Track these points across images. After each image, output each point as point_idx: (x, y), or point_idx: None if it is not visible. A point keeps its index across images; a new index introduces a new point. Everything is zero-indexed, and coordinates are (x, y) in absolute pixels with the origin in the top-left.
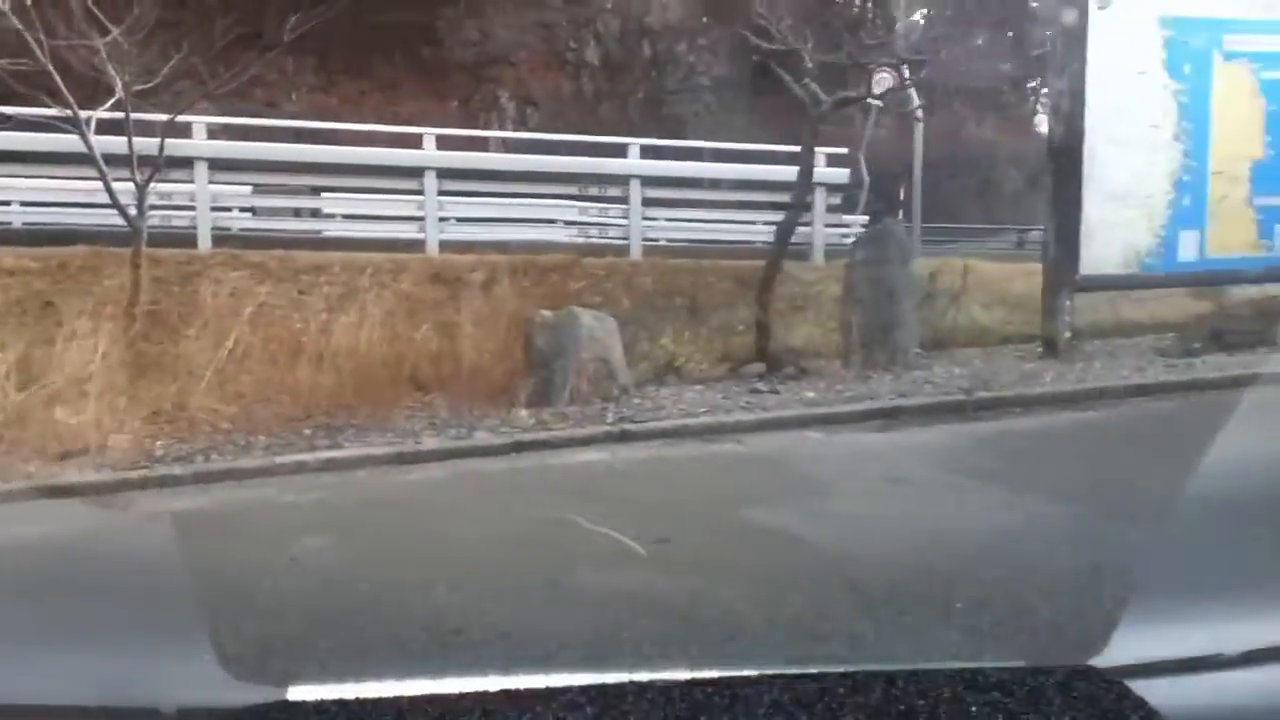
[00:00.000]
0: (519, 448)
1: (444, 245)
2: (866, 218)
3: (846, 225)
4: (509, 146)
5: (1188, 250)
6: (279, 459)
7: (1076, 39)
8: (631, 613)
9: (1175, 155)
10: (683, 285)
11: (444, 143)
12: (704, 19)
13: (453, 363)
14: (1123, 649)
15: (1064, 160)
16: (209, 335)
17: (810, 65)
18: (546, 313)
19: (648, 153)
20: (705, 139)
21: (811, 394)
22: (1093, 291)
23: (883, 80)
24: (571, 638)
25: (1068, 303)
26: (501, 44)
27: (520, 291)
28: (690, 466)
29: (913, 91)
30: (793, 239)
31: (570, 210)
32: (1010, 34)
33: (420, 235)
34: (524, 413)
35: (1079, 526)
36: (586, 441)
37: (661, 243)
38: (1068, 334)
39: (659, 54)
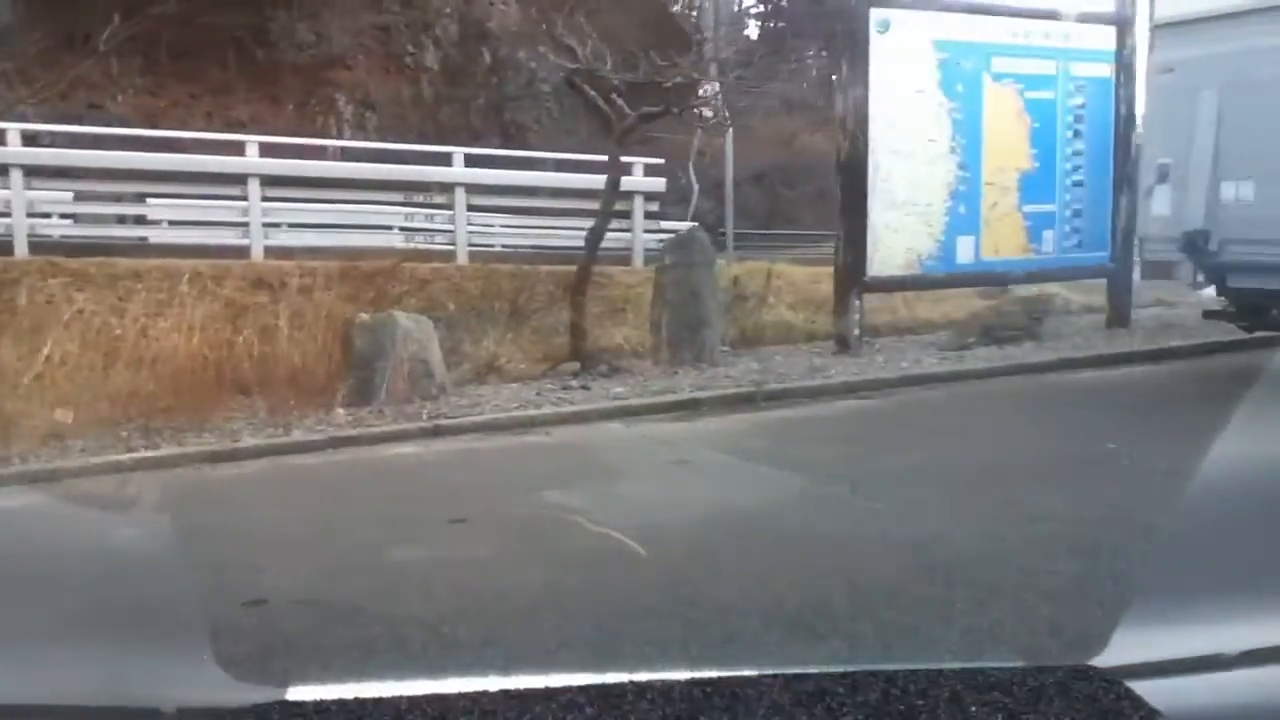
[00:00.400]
0: (335, 443)
1: (269, 251)
2: (695, 224)
3: (669, 232)
4: (343, 153)
5: (965, 253)
6: (95, 459)
7: (860, 60)
8: (420, 576)
9: (951, 167)
10: (506, 289)
11: (271, 150)
12: (544, 26)
13: (273, 365)
14: (1123, 649)
15: (851, 171)
16: (26, 342)
17: (617, 82)
18: (365, 316)
19: (493, 159)
20: (547, 145)
21: (620, 389)
22: (880, 292)
23: (703, 94)
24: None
25: (857, 302)
26: (338, 47)
27: (344, 296)
28: (498, 456)
29: (723, 105)
30: (618, 245)
31: (397, 216)
32: (824, 53)
33: (245, 241)
34: (342, 411)
35: (818, 492)
36: (401, 436)
37: (496, 248)
38: (857, 331)
39: (500, 60)
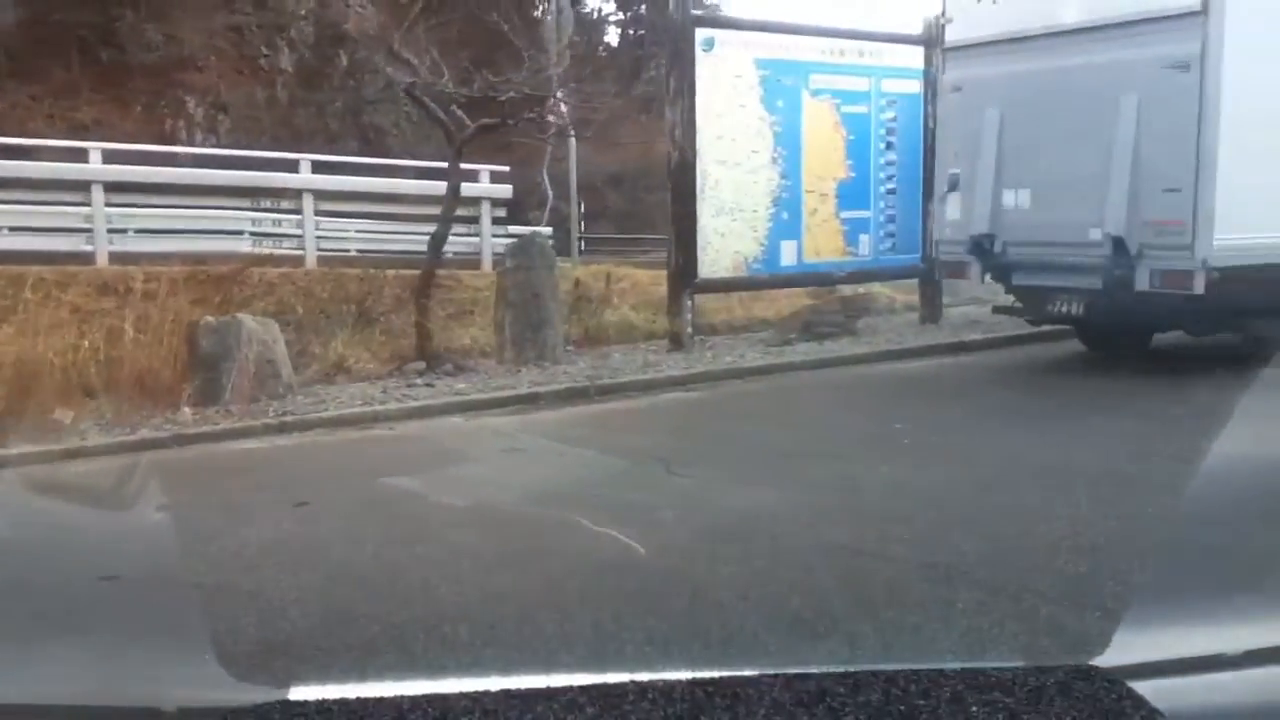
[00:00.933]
0: (182, 440)
1: (115, 257)
2: (539, 228)
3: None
4: (193, 158)
5: (788, 256)
6: None
7: (686, 76)
8: (261, 553)
9: (774, 176)
10: (354, 292)
11: (116, 156)
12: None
13: (120, 369)
14: (1124, 649)
15: (681, 179)
16: None
17: (455, 93)
18: (211, 318)
19: (344, 165)
20: (407, 149)
21: (463, 386)
22: (710, 292)
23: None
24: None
25: (689, 302)
26: (188, 48)
27: (192, 300)
28: (342, 448)
29: (565, 115)
30: (467, 250)
31: (245, 221)
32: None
33: (89, 248)
34: (189, 411)
35: (636, 471)
36: (247, 433)
37: (350, 252)
38: (690, 329)
39: (357, 63)
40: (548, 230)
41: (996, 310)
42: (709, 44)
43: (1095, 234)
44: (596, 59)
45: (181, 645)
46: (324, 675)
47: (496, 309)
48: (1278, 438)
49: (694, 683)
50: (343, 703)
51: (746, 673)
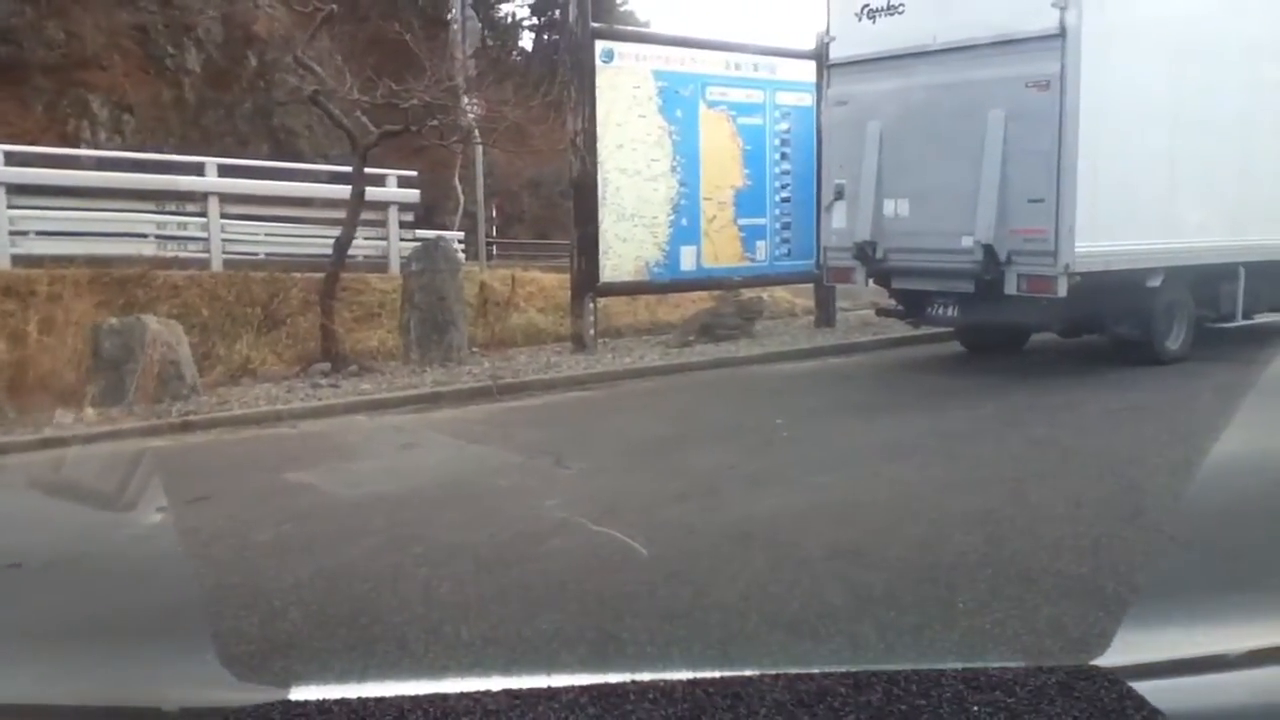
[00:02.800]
0: (85, 439)
1: (17, 259)
2: (462, 234)
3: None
4: (99, 160)
5: (688, 262)
6: None
7: (587, 85)
8: (160, 542)
9: (673, 184)
10: (260, 295)
11: (16, 157)
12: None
13: (23, 371)
14: (1124, 649)
15: (583, 186)
16: None
17: (359, 100)
18: (114, 320)
19: (251, 169)
20: (318, 152)
21: (367, 386)
22: (611, 296)
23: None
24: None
25: (591, 305)
26: (92, 47)
27: (96, 303)
28: (244, 445)
29: (472, 122)
30: (375, 253)
31: (151, 224)
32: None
33: None
34: (92, 411)
35: (526, 463)
36: (151, 432)
37: (260, 256)
38: (592, 331)
39: (267, 64)
40: (457, 235)
41: (879, 313)
42: (608, 56)
43: (968, 242)
44: (509, 64)
45: (183, 646)
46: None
47: (402, 311)
48: (1110, 439)
49: (694, 683)
50: (343, 703)
51: (747, 673)
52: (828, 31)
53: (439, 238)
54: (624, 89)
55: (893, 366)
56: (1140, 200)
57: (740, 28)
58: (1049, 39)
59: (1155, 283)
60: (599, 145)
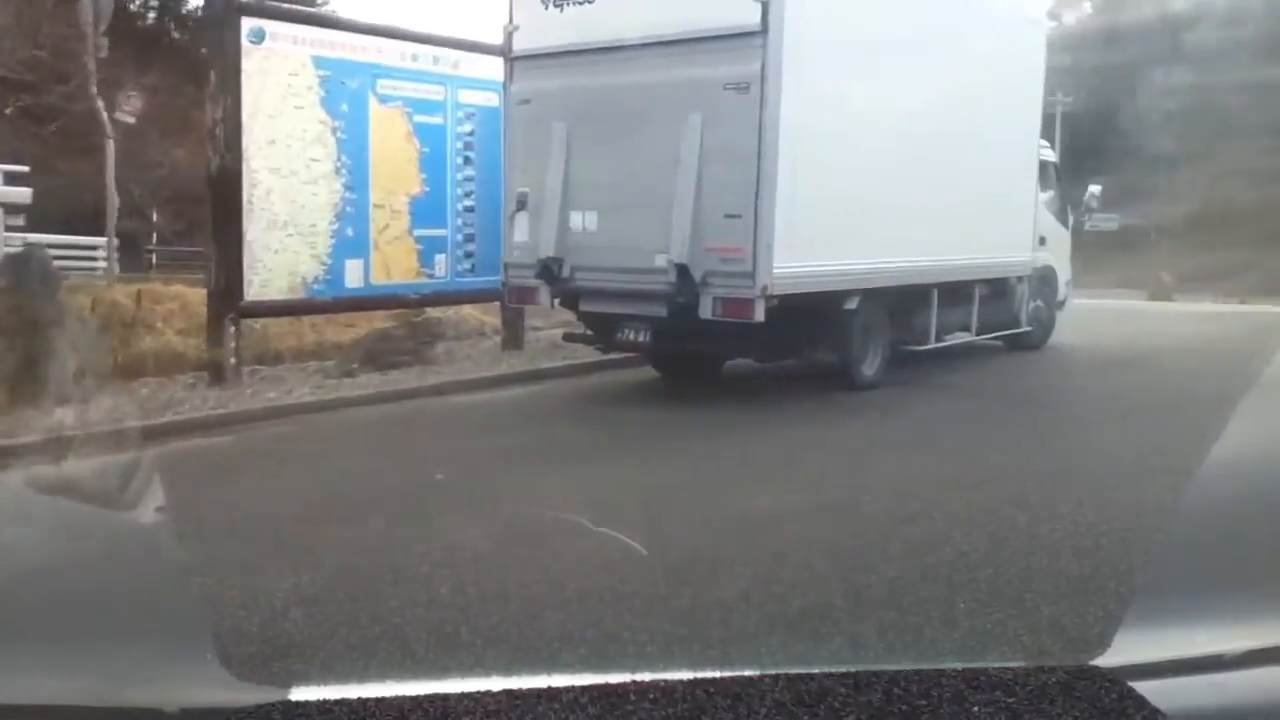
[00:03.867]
0: None
1: None
2: (117, 239)
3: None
4: None
5: (354, 277)
6: None
7: (231, 70)
8: None
9: (337, 188)
10: None
11: None
12: None
13: None
14: (1124, 649)
15: (224, 187)
16: None
17: None
18: None
19: None
20: None
21: None
22: (260, 317)
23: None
24: None
25: (233, 329)
26: None
27: None
28: None
29: (104, 118)
30: None
31: None
32: None
33: None
34: None
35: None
36: None
37: None
38: (234, 359)
39: None
40: (99, 241)
41: (566, 338)
42: (258, 35)
43: (661, 260)
44: (159, 48)
45: (183, 645)
46: None
47: None
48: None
49: (695, 683)
50: (344, 703)
51: (747, 673)
52: (511, 19)
53: (32, 247)
54: (278, 75)
55: (582, 397)
56: (841, 218)
57: (431, 17)
58: (749, 36)
59: (853, 305)
60: (245, 139)
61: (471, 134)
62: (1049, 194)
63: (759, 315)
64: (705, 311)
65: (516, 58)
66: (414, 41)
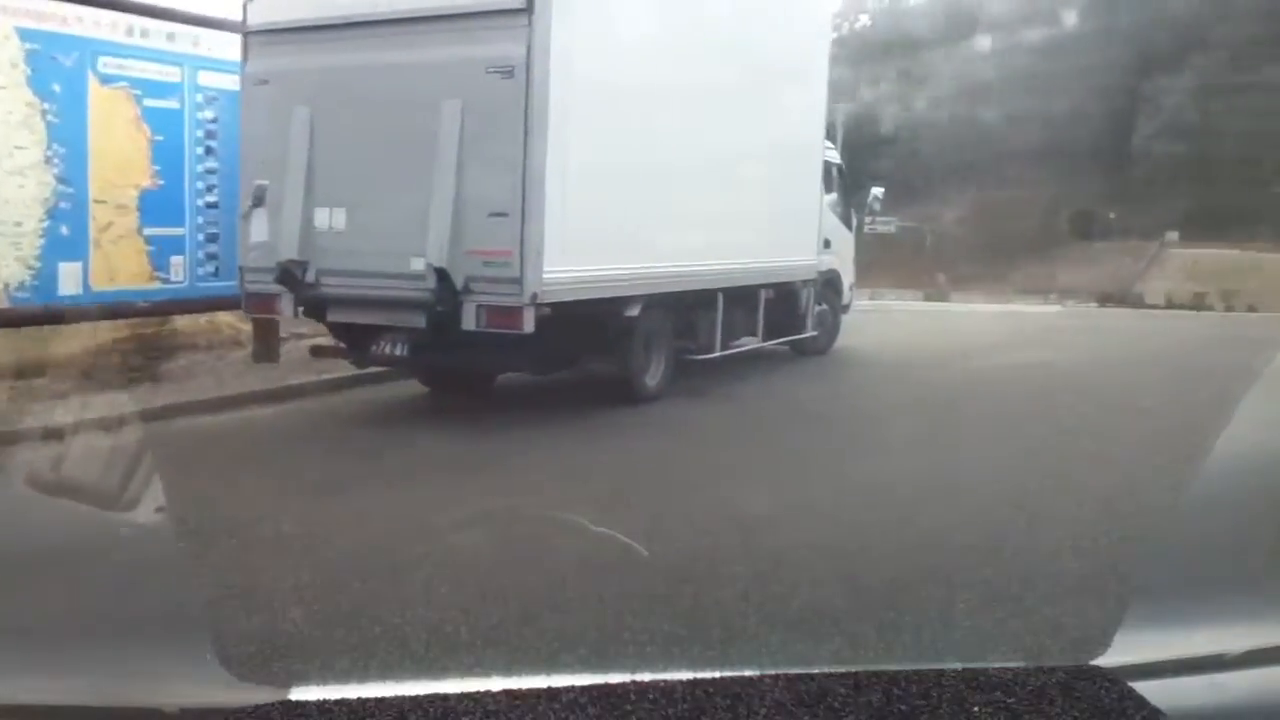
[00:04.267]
0: None
1: None
2: None
3: None
4: None
5: (69, 283)
6: None
7: None
8: None
9: (48, 180)
10: None
11: None
12: None
13: None
14: (1124, 649)
15: None
16: None
17: None
18: None
19: None
20: None
21: None
22: None
23: None
24: None
25: None
26: None
27: None
28: None
29: None
30: None
31: None
32: None
33: None
34: None
35: None
36: None
37: None
38: None
39: None
40: None
41: (314, 352)
42: None
43: (418, 264)
44: None
45: (183, 645)
46: None
47: None
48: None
49: (695, 683)
50: (343, 703)
51: (747, 673)
52: None
53: None
54: None
55: (336, 418)
56: (620, 219)
57: None
58: (513, 14)
59: (633, 312)
60: None
61: (215, 121)
62: (833, 196)
63: (528, 325)
64: (468, 322)
65: (252, 32)
66: (142, 14)
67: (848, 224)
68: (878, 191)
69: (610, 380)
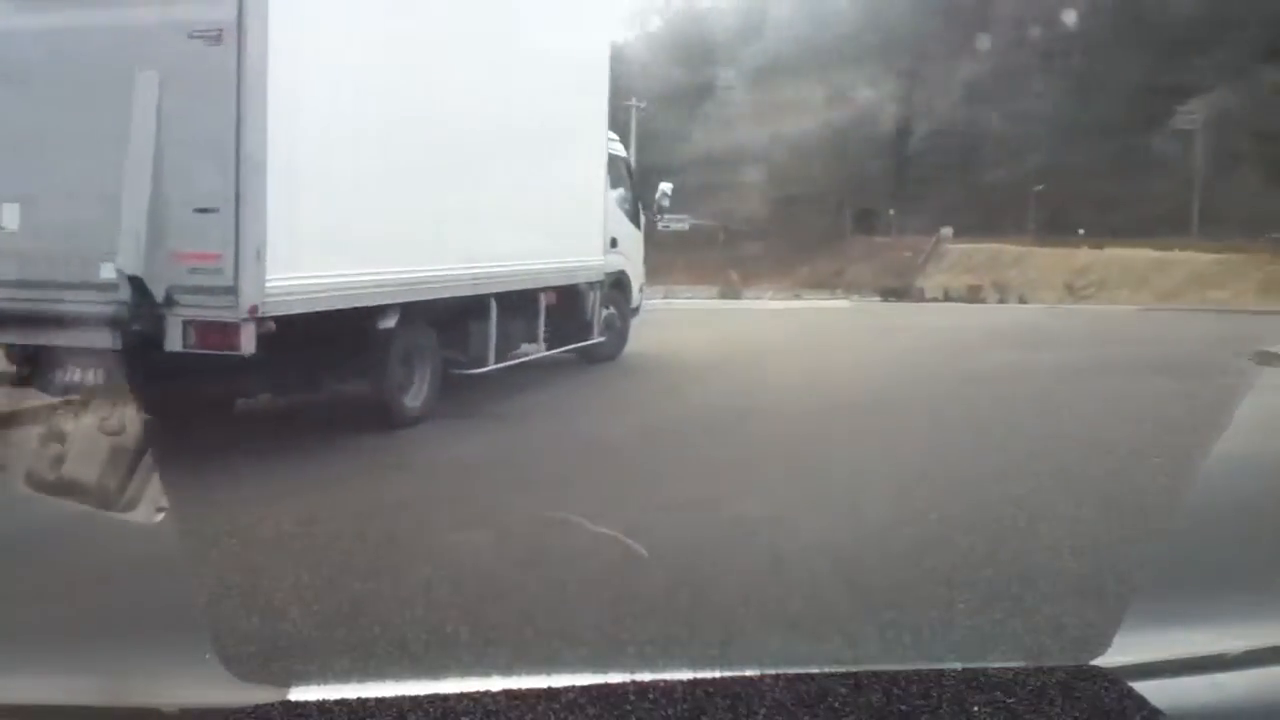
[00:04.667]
0: None
1: None
2: None
3: None
4: None
5: None
6: None
7: None
8: None
9: None
10: None
11: None
12: None
13: None
14: (1124, 649)
15: None
16: None
17: None
18: None
19: None
20: None
21: None
22: None
23: None
24: None
25: None
26: None
27: None
28: None
29: None
30: None
31: None
32: None
33: None
34: None
35: None
36: None
37: None
38: None
39: None
40: None
41: None
42: None
43: (108, 271)
44: None
45: (182, 645)
46: None
47: None
48: None
49: (695, 683)
50: (343, 703)
51: (747, 673)
52: None
53: None
54: None
55: (22, 454)
56: (366, 216)
57: None
58: None
59: (389, 324)
60: None
61: None
62: (620, 191)
63: (248, 345)
64: (173, 342)
65: None
66: None
67: (636, 222)
68: (666, 188)
69: (362, 402)
